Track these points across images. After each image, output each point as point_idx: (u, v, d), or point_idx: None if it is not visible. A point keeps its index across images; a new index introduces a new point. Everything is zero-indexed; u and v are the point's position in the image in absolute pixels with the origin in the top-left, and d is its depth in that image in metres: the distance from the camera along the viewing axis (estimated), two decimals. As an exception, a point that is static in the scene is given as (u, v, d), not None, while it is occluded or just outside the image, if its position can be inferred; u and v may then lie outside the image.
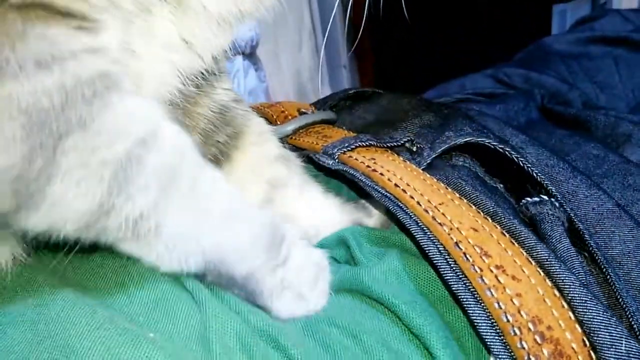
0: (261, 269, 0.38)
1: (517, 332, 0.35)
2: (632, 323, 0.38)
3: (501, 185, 0.51)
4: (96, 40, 0.34)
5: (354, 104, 0.71)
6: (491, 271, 0.37)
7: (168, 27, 0.38)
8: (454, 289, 0.38)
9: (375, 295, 0.39)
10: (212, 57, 0.43)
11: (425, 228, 0.40)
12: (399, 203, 0.42)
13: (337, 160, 0.51)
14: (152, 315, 0.34)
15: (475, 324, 0.36)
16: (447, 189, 0.44)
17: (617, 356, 0.34)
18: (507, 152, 0.47)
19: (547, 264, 0.38)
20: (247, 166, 0.49)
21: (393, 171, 0.47)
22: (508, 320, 0.35)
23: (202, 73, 0.43)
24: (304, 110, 0.66)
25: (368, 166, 0.48)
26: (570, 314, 0.36)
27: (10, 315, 0.34)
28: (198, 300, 0.36)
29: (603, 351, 0.34)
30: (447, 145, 0.49)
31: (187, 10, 0.38)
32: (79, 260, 0.37)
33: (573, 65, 1.00)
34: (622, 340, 0.34)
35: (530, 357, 0.34)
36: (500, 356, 0.35)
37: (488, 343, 0.36)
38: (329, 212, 0.51)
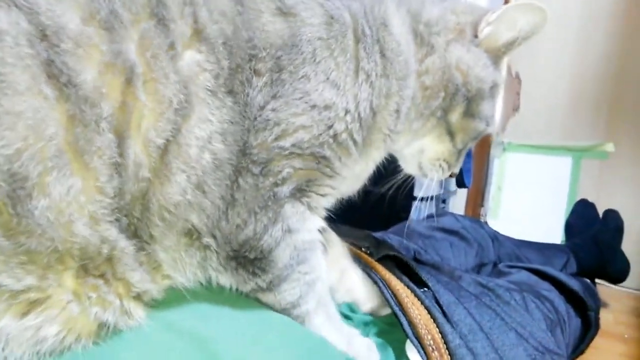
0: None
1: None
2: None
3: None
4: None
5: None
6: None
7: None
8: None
9: None
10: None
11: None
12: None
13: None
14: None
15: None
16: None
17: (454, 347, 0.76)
18: (408, 262, 0.93)
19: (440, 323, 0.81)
20: (330, 261, 0.85)
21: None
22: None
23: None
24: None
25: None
26: (440, 336, 0.78)
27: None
28: None
29: (448, 344, 0.76)
30: (384, 253, 0.93)
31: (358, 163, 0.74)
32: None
33: (426, 241, 1.51)
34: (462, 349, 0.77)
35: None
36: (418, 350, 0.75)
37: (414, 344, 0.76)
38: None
